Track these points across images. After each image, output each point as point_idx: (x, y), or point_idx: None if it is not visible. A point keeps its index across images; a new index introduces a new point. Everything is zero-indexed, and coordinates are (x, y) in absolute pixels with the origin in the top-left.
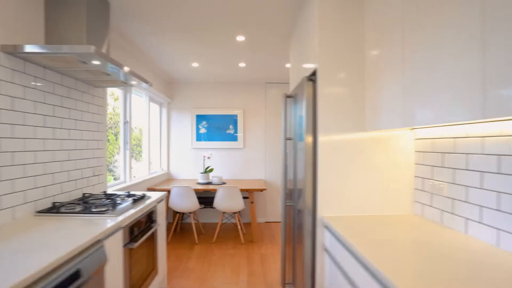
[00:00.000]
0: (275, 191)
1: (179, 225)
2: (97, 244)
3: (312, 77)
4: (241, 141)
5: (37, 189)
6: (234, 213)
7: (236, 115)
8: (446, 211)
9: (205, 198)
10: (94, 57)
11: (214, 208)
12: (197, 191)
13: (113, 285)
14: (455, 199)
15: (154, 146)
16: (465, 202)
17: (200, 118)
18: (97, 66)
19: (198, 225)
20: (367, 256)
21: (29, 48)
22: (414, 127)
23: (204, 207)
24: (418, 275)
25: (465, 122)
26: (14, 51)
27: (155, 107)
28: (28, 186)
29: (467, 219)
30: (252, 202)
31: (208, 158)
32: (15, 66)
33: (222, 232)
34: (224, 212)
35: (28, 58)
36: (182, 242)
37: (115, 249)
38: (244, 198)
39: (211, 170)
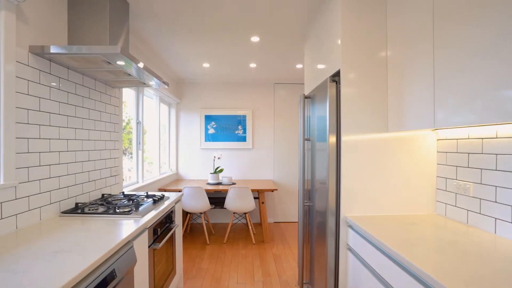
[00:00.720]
0: (284, 192)
1: (189, 226)
2: (128, 244)
3: (335, 78)
4: (250, 142)
5: (61, 190)
6: (245, 213)
7: (244, 116)
8: (472, 211)
9: (215, 199)
10: (120, 57)
11: (224, 208)
12: (207, 192)
13: (141, 285)
14: (483, 199)
15: (162, 146)
16: (495, 202)
17: (208, 118)
18: (121, 66)
19: (209, 225)
20: (403, 255)
21: (56, 49)
22: (445, 127)
23: (214, 208)
24: (455, 273)
25: (501, 123)
26: (42, 52)
27: (163, 108)
28: (53, 186)
29: (497, 219)
30: (263, 203)
31: (219, 158)
32: (42, 66)
33: (233, 233)
34: (234, 213)
35: (54, 58)
36: (193, 242)
37: (141, 250)
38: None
39: (221, 171)
